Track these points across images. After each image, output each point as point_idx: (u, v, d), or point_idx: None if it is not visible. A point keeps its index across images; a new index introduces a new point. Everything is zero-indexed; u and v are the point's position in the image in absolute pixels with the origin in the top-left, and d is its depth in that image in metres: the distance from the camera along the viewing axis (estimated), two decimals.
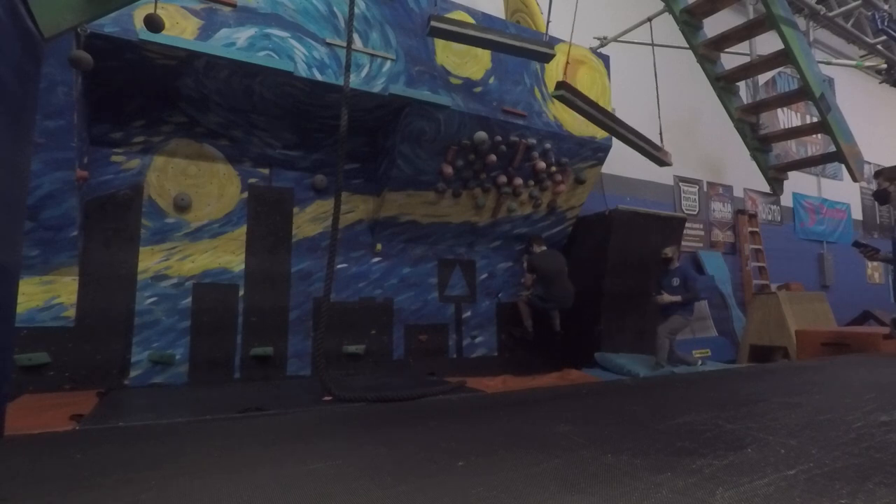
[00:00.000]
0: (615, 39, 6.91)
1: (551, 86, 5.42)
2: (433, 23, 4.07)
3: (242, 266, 4.69)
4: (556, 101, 5.41)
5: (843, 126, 4.54)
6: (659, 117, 5.34)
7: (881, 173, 4.20)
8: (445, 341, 5.62)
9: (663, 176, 7.86)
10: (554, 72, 5.44)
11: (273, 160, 4.91)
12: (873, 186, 4.33)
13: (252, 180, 4.82)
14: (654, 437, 1.78)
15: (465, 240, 5.76)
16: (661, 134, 5.28)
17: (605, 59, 5.95)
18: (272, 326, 4.73)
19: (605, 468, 1.42)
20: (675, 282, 5.35)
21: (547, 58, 4.62)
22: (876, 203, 10.20)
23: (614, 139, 5.84)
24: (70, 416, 3.04)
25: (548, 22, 4.69)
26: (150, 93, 4.32)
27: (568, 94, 4.50)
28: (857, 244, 4.40)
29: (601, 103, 5.14)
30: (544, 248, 5.72)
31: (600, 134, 5.74)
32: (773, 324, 6.68)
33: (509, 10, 6.19)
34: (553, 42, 4.95)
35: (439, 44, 4.75)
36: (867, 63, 9.04)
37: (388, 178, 5.01)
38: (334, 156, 4.12)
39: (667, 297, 5.17)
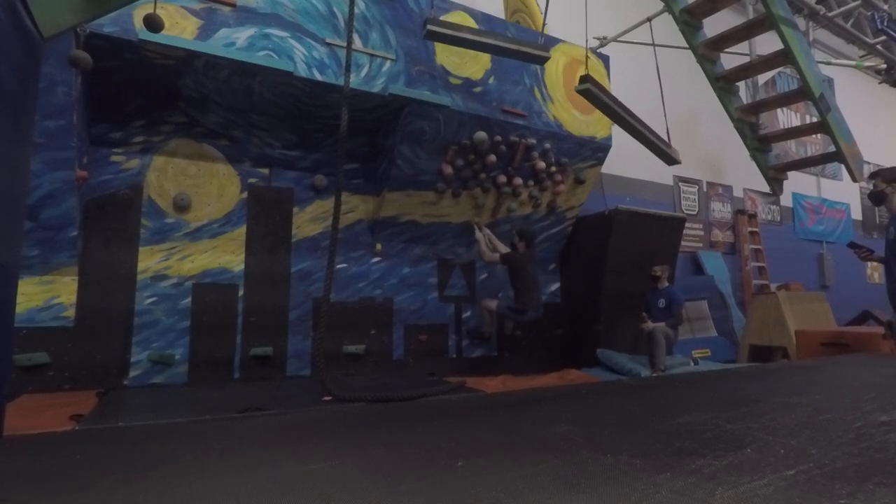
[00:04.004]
0: (615, 39, 6.92)
1: (551, 86, 5.44)
2: (429, 26, 4.05)
3: (242, 266, 4.69)
4: (555, 100, 5.44)
5: (842, 126, 4.55)
6: (665, 116, 5.34)
7: (878, 174, 4.18)
8: (445, 341, 5.62)
9: (663, 176, 7.88)
10: (553, 72, 5.45)
11: (273, 160, 4.91)
12: (870, 187, 4.31)
13: (252, 180, 4.82)
14: (654, 437, 1.78)
15: (465, 240, 5.76)
16: (668, 132, 5.28)
17: (605, 59, 5.96)
18: (272, 326, 4.73)
19: (605, 468, 1.42)
20: (661, 303, 5.44)
21: (541, 60, 4.60)
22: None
23: (614, 139, 5.87)
24: (70, 416, 3.04)
25: (544, 24, 4.68)
26: (150, 93, 4.32)
27: (593, 87, 4.47)
28: (851, 245, 4.39)
29: None
30: (528, 251, 5.38)
31: (600, 134, 5.75)
32: (773, 324, 6.68)
33: (509, 10, 6.19)
34: (551, 42, 4.95)
35: (439, 44, 4.75)
36: (867, 63, 9.05)
37: (388, 178, 5.01)
38: (334, 156, 4.12)
39: (650, 325, 5.23)
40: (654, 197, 7.94)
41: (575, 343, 6.11)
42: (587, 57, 4.76)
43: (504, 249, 5.44)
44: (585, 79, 4.44)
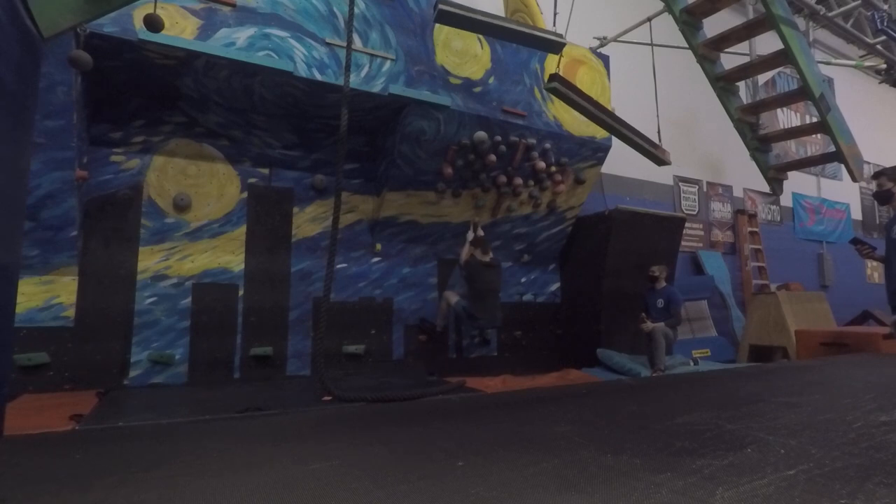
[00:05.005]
0: (615, 39, 6.91)
1: None
2: (441, 6, 3.94)
3: (242, 266, 4.69)
4: (555, 100, 5.42)
5: (842, 126, 4.54)
6: (657, 116, 5.33)
7: (883, 173, 4.16)
8: (445, 341, 5.62)
9: (663, 176, 7.87)
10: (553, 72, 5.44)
11: (273, 160, 4.91)
12: (872, 187, 4.29)
13: (252, 180, 4.82)
14: (654, 437, 1.78)
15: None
16: (658, 132, 5.27)
17: (605, 59, 5.95)
18: (272, 326, 4.73)
19: (605, 468, 1.42)
20: (660, 303, 5.41)
21: (557, 47, 4.53)
22: (876, 203, 10.21)
23: (614, 139, 5.86)
24: (70, 416, 3.04)
25: (555, 13, 4.64)
26: (150, 93, 4.32)
27: (561, 86, 4.40)
28: (854, 241, 4.38)
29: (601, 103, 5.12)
30: (488, 258, 5.20)
31: (600, 134, 5.74)
32: (773, 324, 6.69)
33: (509, 10, 6.18)
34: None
35: (439, 43, 4.75)
36: (867, 63, 9.04)
37: (388, 178, 5.01)
38: (334, 156, 4.12)
39: (649, 325, 5.20)
40: (654, 197, 7.94)
41: (575, 343, 6.11)
42: (560, 56, 4.71)
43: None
44: (554, 77, 4.38)
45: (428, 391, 3.45)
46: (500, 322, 5.31)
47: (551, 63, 5.31)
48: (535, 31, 4.41)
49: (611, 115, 4.86)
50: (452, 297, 5.19)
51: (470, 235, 5.37)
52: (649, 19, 6.22)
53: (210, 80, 4.19)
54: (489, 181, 5.41)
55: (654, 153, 5.16)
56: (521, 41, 4.53)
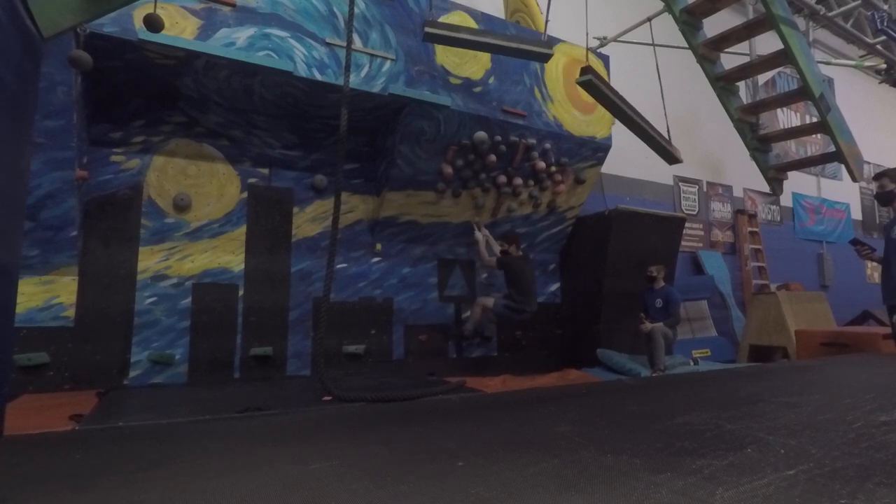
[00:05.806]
0: (615, 39, 6.91)
1: (551, 86, 5.43)
2: (427, 28, 4.05)
3: (242, 266, 4.69)
4: (555, 100, 5.43)
5: (842, 126, 4.55)
6: (665, 116, 5.32)
7: (885, 174, 4.15)
8: (445, 341, 5.62)
9: (663, 176, 7.87)
10: (554, 72, 5.45)
11: (273, 160, 4.91)
12: (874, 188, 4.28)
13: (252, 180, 4.82)
14: (654, 437, 1.78)
15: (465, 240, 5.76)
16: (668, 131, 5.27)
17: (605, 59, 5.95)
18: (272, 326, 4.73)
19: (605, 468, 1.42)
20: (659, 303, 5.42)
21: (544, 58, 4.57)
22: (876, 203, 10.22)
23: (614, 139, 5.87)
24: (70, 416, 3.03)
25: (546, 21, 4.67)
26: (150, 93, 4.32)
27: (595, 79, 4.37)
28: (854, 241, 4.37)
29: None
30: (520, 252, 5.47)
31: (600, 134, 5.74)
32: (773, 324, 6.69)
33: (509, 10, 6.19)
34: (552, 42, 4.94)
35: (439, 44, 4.74)
36: (867, 63, 9.04)
37: (388, 178, 5.01)
38: (334, 156, 4.12)
39: (648, 326, 5.21)
40: (653, 197, 7.94)
41: (575, 343, 6.11)
42: (587, 49, 4.72)
43: (497, 253, 5.44)
44: (587, 70, 4.35)
45: (428, 391, 3.44)
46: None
47: (552, 64, 5.31)
48: (522, 44, 4.41)
49: (636, 111, 4.84)
50: (489, 301, 5.29)
51: (479, 237, 5.44)
52: (649, 19, 6.22)
53: (210, 80, 4.19)
54: (489, 181, 5.41)
55: (670, 150, 5.17)
56: (508, 54, 4.55)
